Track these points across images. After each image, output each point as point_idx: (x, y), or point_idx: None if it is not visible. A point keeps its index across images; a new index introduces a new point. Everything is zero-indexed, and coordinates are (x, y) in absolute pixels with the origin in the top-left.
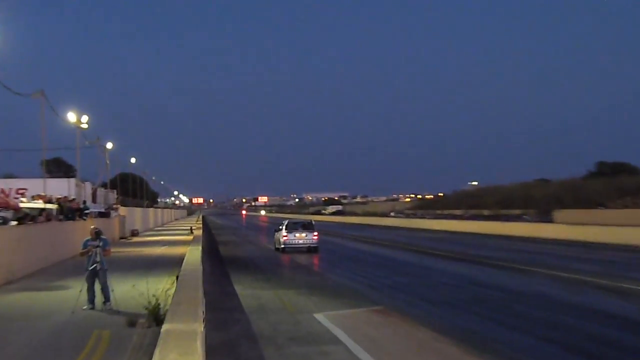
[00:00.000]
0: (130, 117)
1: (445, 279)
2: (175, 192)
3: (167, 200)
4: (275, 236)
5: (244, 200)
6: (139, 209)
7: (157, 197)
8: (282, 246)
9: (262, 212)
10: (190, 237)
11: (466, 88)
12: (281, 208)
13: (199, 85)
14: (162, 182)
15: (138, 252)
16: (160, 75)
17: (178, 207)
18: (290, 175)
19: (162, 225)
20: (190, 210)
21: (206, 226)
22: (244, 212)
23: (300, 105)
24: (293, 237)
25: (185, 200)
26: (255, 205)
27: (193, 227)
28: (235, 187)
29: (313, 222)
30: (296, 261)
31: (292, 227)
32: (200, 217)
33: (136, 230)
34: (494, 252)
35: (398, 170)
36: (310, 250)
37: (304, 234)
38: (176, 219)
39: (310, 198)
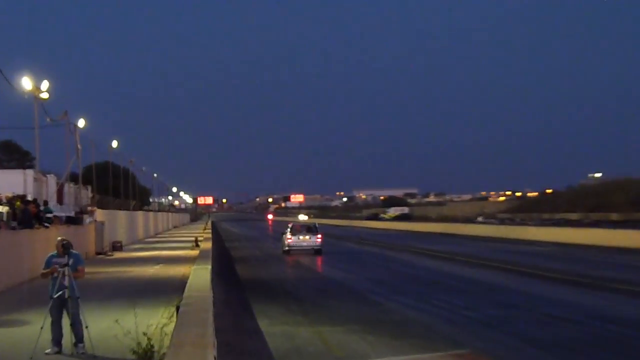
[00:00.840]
0: (118, 98)
1: (558, 311)
2: (174, 189)
3: (163, 200)
4: (282, 239)
5: (270, 200)
6: (123, 213)
7: (149, 196)
8: (287, 248)
9: (303, 217)
10: (195, 252)
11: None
12: (323, 211)
13: (207, 59)
14: (155, 175)
15: (123, 272)
16: (159, 49)
17: (178, 210)
18: (336, 167)
19: (156, 234)
20: (195, 213)
21: (217, 236)
22: (270, 216)
23: (346, 77)
24: (297, 240)
25: (189, 200)
26: (286, 207)
27: (199, 238)
28: (258, 183)
29: (317, 225)
30: (345, 285)
31: (296, 230)
32: (209, 223)
33: (119, 242)
34: (628, 272)
35: (487, 159)
36: (316, 252)
37: (307, 237)
38: (175, 227)
39: (363, 197)
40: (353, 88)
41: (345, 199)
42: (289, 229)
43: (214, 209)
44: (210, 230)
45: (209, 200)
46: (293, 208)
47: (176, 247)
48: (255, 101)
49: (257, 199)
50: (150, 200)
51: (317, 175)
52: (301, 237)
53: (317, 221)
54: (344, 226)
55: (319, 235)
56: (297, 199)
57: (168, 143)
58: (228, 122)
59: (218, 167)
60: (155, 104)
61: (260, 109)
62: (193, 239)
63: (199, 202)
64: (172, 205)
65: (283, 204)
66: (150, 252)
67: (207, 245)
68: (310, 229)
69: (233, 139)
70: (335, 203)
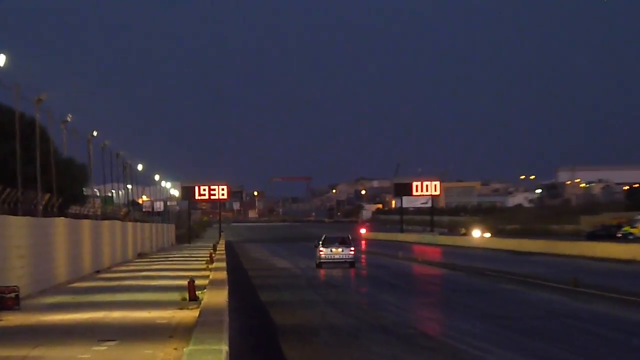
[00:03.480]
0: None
1: None
2: (139, 167)
3: (112, 191)
4: (315, 252)
5: (362, 191)
6: (19, 224)
7: (84, 184)
8: (319, 261)
9: (478, 233)
10: (190, 314)
11: None
12: (488, 218)
13: None
14: (94, 134)
15: None
16: None
17: (149, 216)
18: (520, 131)
19: (97, 273)
20: (190, 224)
21: (240, 278)
22: (363, 230)
23: None
24: (329, 252)
25: (173, 192)
26: (401, 209)
27: (195, 280)
28: (331, 161)
29: (350, 237)
30: None
31: (328, 242)
32: (221, 244)
33: (13, 290)
34: None
35: None
36: (350, 265)
37: (340, 249)
38: (141, 254)
39: (582, 185)
40: None
41: (539, 191)
42: (321, 241)
43: (235, 212)
44: (223, 264)
45: (221, 191)
46: (417, 211)
47: (144, 301)
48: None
49: (334, 191)
50: (85, 192)
51: (474, 147)
52: (333, 250)
53: (494, 245)
54: (540, 254)
55: (352, 248)
56: (428, 186)
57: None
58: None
59: (244, 135)
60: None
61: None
62: (185, 282)
63: (197, 195)
64: (133, 203)
65: (393, 202)
66: (86, 314)
67: (218, 297)
68: (343, 241)
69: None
70: (518, 199)
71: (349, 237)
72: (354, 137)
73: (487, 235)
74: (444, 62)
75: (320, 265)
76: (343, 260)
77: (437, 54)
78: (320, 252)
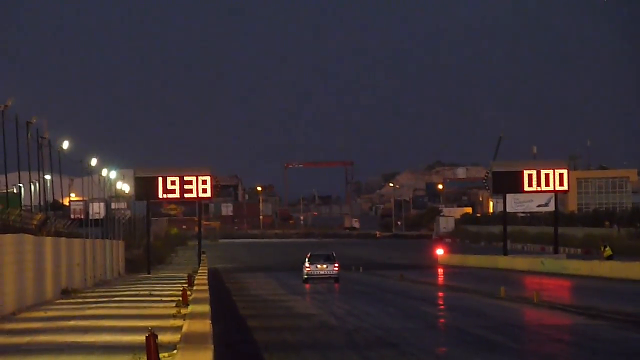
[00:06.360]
0: None
1: None
2: (65, 145)
3: (18, 185)
4: (302, 268)
5: (439, 186)
6: None
7: None
8: (305, 277)
9: None
10: None
11: None
12: None
13: None
14: None
15: None
16: None
17: (80, 225)
18: None
19: None
20: (148, 238)
21: (230, 331)
22: (441, 251)
23: None
24: (315, 269)
25: (122, 187)
26: (502, 215)
27: (158, 335)
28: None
29: (334, 254)
30: None
31: (314, 259)
32: (201, 274)
33: None
34: None
35: None
36: (334, 280)
37: (324, 265)
38: (68, 292)
39: None
40: None
41: None
42: (307, 258)
43: (225, 220)
44: (206, 306)
45: (201, 184)
46: (531, 219)
47: None
48: None
49: (391, 185)
50: None
51: None
52: (319, 266)
53: None
54: None
55: (336, 264)
56: (545, 179)
57: None
58: None
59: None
60: None
61: None
62: (141, 337)
63: (161, 192)
64: (56, 207)
65: (490, 203)
66: None
67: None
68: (328, 258)
69: None
70: None
71: (333, 254)
72: (423, 99)
73: None
74: None
75: (306, 280)
76: (328, 276)
77: None
78: (307, 269)
